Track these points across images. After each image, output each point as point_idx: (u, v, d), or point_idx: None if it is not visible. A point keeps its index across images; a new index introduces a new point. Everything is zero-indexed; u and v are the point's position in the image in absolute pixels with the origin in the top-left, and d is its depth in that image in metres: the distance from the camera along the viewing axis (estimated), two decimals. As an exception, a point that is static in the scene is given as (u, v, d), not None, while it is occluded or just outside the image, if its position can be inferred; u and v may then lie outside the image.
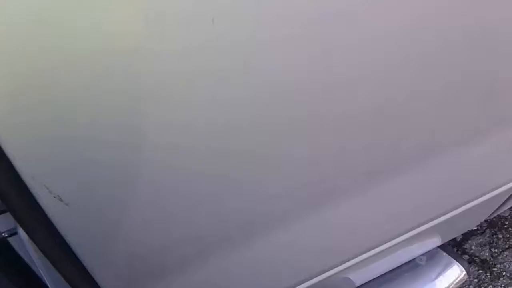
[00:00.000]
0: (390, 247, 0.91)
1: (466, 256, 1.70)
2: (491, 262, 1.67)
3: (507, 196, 1.04)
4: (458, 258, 1.14)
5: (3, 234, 0.87)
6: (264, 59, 0.54)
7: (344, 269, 0.90)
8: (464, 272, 1.13)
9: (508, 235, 1.74)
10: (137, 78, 0.49)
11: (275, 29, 0.53)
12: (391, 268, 1.10)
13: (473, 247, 1.72)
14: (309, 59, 0.57)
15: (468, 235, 1.76)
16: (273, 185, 0.67)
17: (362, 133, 0.69)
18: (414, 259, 1.12)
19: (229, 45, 0.52)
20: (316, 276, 0.87)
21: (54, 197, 0.51)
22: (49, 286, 0.87)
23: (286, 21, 0.53)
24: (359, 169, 0.74)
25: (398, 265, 1.11)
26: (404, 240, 0.92)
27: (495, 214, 1.19)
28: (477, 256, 1.69)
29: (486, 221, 1.75)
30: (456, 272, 1.12)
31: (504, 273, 1.63)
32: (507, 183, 0.97)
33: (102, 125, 0.51)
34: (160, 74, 0.50)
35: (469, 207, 0.95)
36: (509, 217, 1.80)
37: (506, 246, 1.71)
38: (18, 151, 0.48)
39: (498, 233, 1.76)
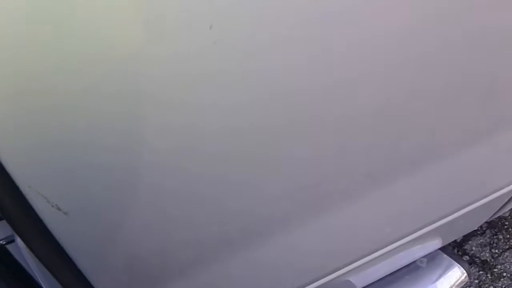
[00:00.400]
0: (391, 250, 0.91)
1: (467, 257, 1.69)
2: (491, 263, 1.66)
3: (508, 198, 1.03)
4: (458, 259, 1.14)
5: (1, 242, 0.86)
6: (263, 61, 0.54)
7: (345, 272, 0.89)
8: (465, 274, 1.13)
9: (508, 236, 1.74)
10: (137, 82, 0.49)
11: (275, 31, 0.53)
12: (392, 271, 1.10)
13: (473, 248, 1.72)
14: (309, 61, 0.57)
15: (468, 236, 1.76)
16: (273, 188, 0.67)
17: (363, 135, 0.68)
18: (415, 261, 1.12)
19: (229, 48, 0.51)
20: (317, 280, 0.87)
21: (52, 206, 0.51)
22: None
23: (286, 22, 0.53)
24: (360, 172, 0.73)
25: (399, 267, 1.11)
26: (405, 243, 0.91)
27: (496, 216, 1.18)
28: (477, 257, 1.69)
29: (486, 221, 1.74)
30: (457, 273, 1.12)
31: (504, 274, 1.63)
32: (509, 185, 0.96)
33: (100, 130, 0.50)
34: (161, 77, 0.50)
35: (471, 209, 0.94)
36: (509, 217, 1.80)
37: (507, 247, 1.71)
38: (14, 159, 0.47)
39: (498, 233, 1.76)
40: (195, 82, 0.52)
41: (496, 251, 1.70)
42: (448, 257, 1.14)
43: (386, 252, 0.90)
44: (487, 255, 1.69)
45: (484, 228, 1.78)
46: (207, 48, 0.50)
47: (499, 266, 1.65)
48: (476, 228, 1.73)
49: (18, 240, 0.91)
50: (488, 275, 1.63)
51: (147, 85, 0.49)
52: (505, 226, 1.78)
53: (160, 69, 0.49)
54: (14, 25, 0.42)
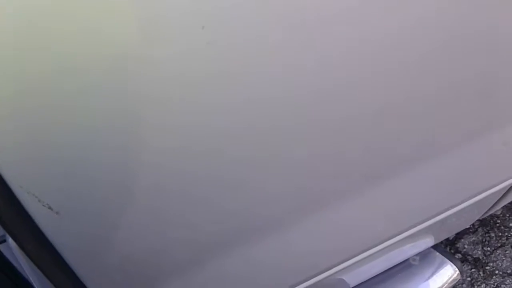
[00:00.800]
0: (383, 248, 0.91)
1: (459, 255, 1.70)
2: (483, 261, 1.67)
3: (500, 196, 1.04)
4: (451, 257, 1.14)
5: (-8, 242, 0.86)
6: (259, 61, 0.54)
7: (338, 271, 0.89)
8: (457, 272, 1.13)
9: (500, 234, 1.75)
10: (130, 82, 0.49)
11: (270, 31, 0.53)
12: (385, 269, 1.10)
13: (465, 246, 1.73)
14: (306, 62, 0.57)
15: (460, 234, 1.76)
16: (267, 187, 0.67)
17: (355, 134, 0.68)
18: (408, 259, 1.13)
19: (222, 48, 0.51)
20: (311, 279, 0.87)
21: (43, 206, 0.50)
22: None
23: (285, 24, 0.53)
24: (355, 171, 0.73)
25: (392, 265, 1.11)
26: (398, 241, 0.92)
27: (488, 213, 1.19)
28: (470, 255, 1.70)
29: (478, 219, 1.75)
30: (449, 271, 1.12)
31: (497, 272, 1.63)
32: (501, 183, 0.97)
33: (91, 130, 0.50)
34: (155, 77, 0.50)
35: (463, 207, 0.95)
36: (501, 215, 1.81)
37: (499, 245, 1.71)
38: (5, 159, 0.47)
39: (490, 231, 1.76)
40: (189, 82, 0.52)
41: (488, 249, 1.71)
42: (440, 255, 1.14)
43: (379, 250, 0.90)
44: (479, 253, 1.70)
45: (476, 226, 1.79)
46: (200, 48, 0.50)
47: (491, 264, 1.66)
48: (468, 226, 1.74)
49: (10, 240, 0.90)
50: (481, 272, 1.64)
51: (141, 85, 0.49)
52: (497, 224, 1.78)
53: (154, 69, 0.49)
54: (12, 25, 0.42)
